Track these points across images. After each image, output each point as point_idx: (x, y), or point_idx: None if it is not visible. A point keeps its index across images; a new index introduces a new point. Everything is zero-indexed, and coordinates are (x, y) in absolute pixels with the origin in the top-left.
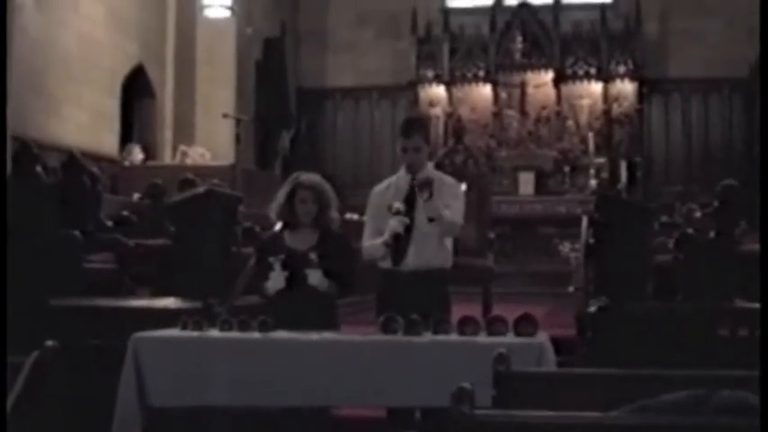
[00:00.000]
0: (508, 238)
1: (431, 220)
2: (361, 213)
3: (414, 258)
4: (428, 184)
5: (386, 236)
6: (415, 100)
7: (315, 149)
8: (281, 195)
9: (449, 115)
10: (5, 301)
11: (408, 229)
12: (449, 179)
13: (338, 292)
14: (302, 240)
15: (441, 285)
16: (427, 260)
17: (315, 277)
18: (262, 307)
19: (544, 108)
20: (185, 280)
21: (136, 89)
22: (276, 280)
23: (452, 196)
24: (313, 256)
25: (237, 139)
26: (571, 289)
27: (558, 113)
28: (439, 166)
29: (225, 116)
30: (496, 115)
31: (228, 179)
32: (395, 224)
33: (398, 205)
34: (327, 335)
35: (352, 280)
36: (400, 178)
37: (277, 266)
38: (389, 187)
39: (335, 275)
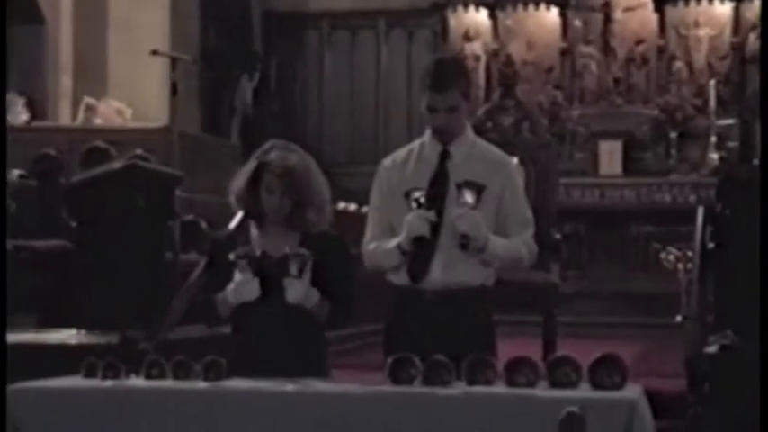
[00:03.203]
0: (583, 240)
1: (463, 245)
2: (361, 203)
3: (441, 272)
4: (476, 187)
5: (401, 238)
6: (444, 31)
7: (290, 106)
8: (244, 175)
9: (493, 54)
10: (5, 303)
11: (435, 228)
12: (502, 157)
13: (329, 319)
14: (276, 241)
15: (480, 311)
16: (461, 275)
17: (296, 290)
18: (212, 341)
19: (639, 43)
20: (93, 302)
21: (13, 9)
22: (243, 288)
23: (511, 192)
24: (294, 263)
25: (174, 88)
26: (679, 318)
27: (662, 51)
28: (477, 131)
29: (154, 54)
30: (566, 54)
31: (160, 149)
32: (416, 222)
33: (419, 193)
34: (311, 384)
35: (349, 303)
36: (425, 147)
37: (245, 267)
38: (407, 160)
39: (326, 294)
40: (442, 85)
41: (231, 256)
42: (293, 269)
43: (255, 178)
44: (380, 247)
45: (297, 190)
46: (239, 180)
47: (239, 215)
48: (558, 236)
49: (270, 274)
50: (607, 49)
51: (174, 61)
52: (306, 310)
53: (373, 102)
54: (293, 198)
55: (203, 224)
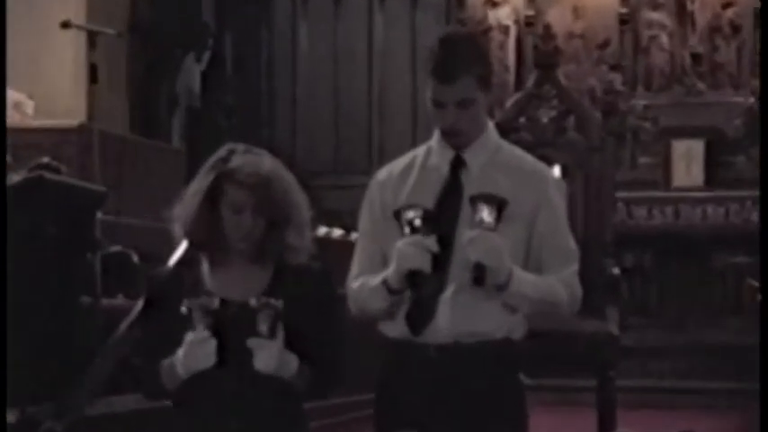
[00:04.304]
0: (650, 275)
1: (477, 278)
2: (348, 228)
3: (450, 319)
4: (496, 201)
5: (389, 272)
6: None
7: (253, 96)
8: (196, 194)
9: (527, 24)
10: (5, 304)
11: (439, 261)
12: (537, 167)
13: (311, 388)
14: (240, 280)
15: (504, 374)
16: (478, 323)
17: (268, 356)
18: (148, 417)
19: (728, 6)
20: None
21: None
22: (198, 350)
23: (548, 214)
24: (264, 318)
25: (93, 73)
26: None
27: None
28: (504, 130)
29: (65, 27)
30: (627, 23)
31: (75, 155)
32: (409, 251)
33: (413, 213)
34: None
35: (339, 364)
36: (432, 154)
37: (199, 320)
38: (408, 172)
39: (306, 354)
40: (450, 73)
41: (183, 308)
42: (263, 326)
43: (214, 195)
44: (366, 284)
45: (274, 205)
46: (190, 201)
47: (184, 245)
48: (615, 270)
49: (229, 328)
50: (683, 14)
51: (92, 37)
52: (279, 378)
53: (365, 91)
54: (268, 217)
55: (134, 257)
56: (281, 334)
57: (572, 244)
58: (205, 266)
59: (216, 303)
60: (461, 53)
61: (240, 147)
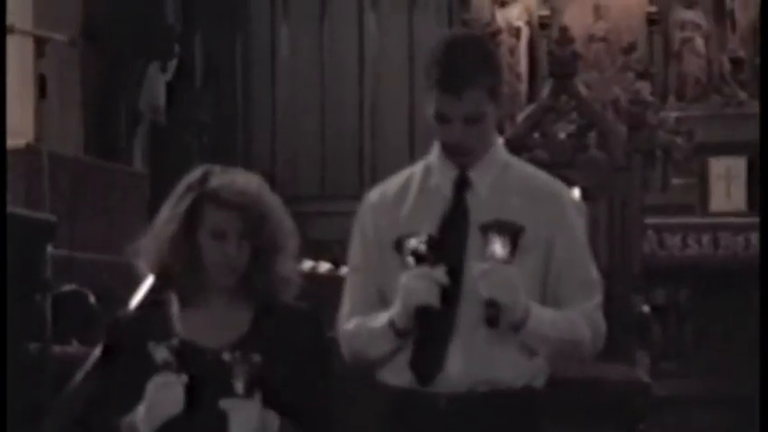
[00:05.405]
0: (686, 313)
1: (491, 318)
2: (337, 261)
3: (462, 365)
4: (511, 230)
5: (395, 311)
6: None
7: (227, 110)
8: (168, 221)
9: (541, 26)
10: (5, 298)
11: (447, 297)
12: (553, 187)
13: None
14: (214, 325)
15: (528, 430)
16: (494, 369)
17: (246, 419)
18: None
19: None
20: None
21: None
22: (161, 396)
23: (566, 240)
24: (240, 374)
25: (41, 86)
26: None
27: None
28: (516, 148)
29: (9, 32)
30: (656, 23)
31: (21, 180)
32: (416, 285)
33: (417, 241)
34: None
35: (330, 421)
36: (432, 172)
37: (165, 353)
38: (405, 193)
39: (291, 410)
40: (458, 83)
41: (152, 349)
42: (239, 384)
43: (191, 222)
44: (364, 325)
45: (264, 229)
46: (162, 230)
47: (149, 282)
48: (645, 308)
49: (200, 381)
50: (721, 13)
51: (40, 44)
52: None
53: (355, 103)
54: (255, 243)
55: (91, 298)
56: (259, 393)
57: (594, 273)
58: (175, 307)
59: (175, 341)
60: (471, 60)
61: (216, 168)
